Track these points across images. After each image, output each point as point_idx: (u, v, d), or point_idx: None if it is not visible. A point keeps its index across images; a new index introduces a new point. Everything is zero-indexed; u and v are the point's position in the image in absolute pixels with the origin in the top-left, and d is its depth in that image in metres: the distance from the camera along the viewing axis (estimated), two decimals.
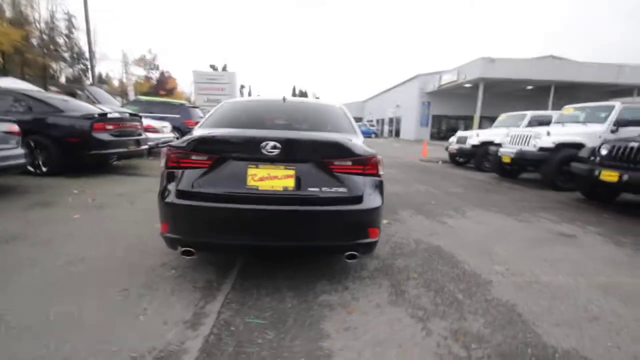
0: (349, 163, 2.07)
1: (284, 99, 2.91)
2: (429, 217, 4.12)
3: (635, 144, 4.45)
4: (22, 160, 4.17)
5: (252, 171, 1.99)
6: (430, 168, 9.98)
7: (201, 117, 12.06)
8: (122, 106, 11.01)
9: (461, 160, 10.65)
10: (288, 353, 1.57)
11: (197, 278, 2.26)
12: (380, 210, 2.12)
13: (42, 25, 26.97)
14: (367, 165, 2.11)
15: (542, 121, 8.94)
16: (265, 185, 1.99)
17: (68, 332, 1.64)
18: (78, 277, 2.20)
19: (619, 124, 6.19)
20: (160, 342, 1.61)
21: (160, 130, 9.02)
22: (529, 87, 23.65)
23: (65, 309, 1.83)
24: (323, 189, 2.01)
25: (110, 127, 5.61)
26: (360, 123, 34.43)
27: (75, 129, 5.25)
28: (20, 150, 4.18)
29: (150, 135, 7.85)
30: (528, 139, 6.90)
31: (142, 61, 42.51)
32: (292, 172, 2.00)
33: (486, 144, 9.04)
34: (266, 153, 1.97)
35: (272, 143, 1.96)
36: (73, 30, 29.91)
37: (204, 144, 2.06)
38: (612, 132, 6.12)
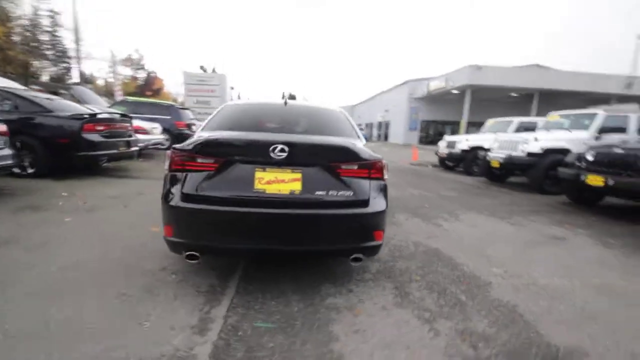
0: (355, 167, 2.09)
1: (285, 102, 2.92)
2: (425, 220, 4.18)
3: (619, 150, 4.64)
4: (9, 161, 4.02)
5: (259, 174, 1.99)
6: (421, 172, 10.13)
7: (192, 119, 11.93)
8: (110, 107, 10.76)
9: (450, 164, 10.85)
10: (299, 357, 1.57)
11: (200, 283, 2.23)
12: (385, 213, 2.15)
13: (25, 21, 26.15)
14: (372, 169, 2.13)
15: (528, 127, 9.23)
16: (272, 189, 1.99)
17: (71, 340, 1.59)
18: (76, 282, 2.13)
19: (602, 130, 6.45)
20: (167, 348, 1.58)
21: (150, 132, 8.85)
22: (514, 94, 24.35)
23: (66, 316, 1.77)
24: (329, 192, 2.02)
25: (100, 127, 5.48)
26: None
27: (64, 129, 5.10)
28: (8, 151, 4.03)
29: (140, 136, 7.70)
30: (516, 145, 7.10)
31: (128, 61, 41.75)
32: (299, 176, 2.01)
33: (475, 149, 9.25)
34: (274, 156, 1.97)
35: (280, 146, 1.96)
36: (56, 27, 29.11)
37: (211, 147, 2.04)
38: (596, 138, 6.37)
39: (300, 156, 2.01)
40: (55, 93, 12.38)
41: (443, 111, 28.82)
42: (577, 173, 5.05)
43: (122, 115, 6.42)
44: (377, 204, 2.09)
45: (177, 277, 2.30)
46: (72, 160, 5.27)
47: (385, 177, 2.22)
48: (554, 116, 7.87)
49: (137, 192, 4.81)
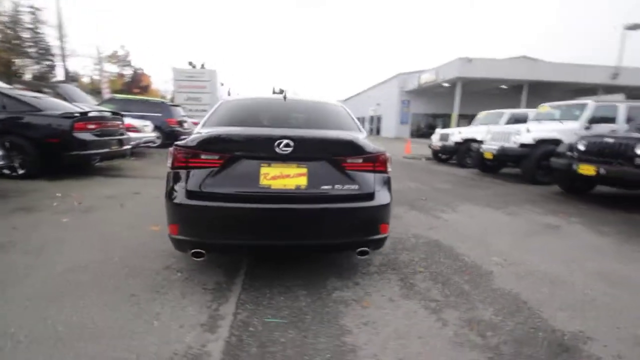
0: (360, 160, 2.10)
1: (285, 97, 2.90)
2: (423, 212, 4.23)
3: (610, 140, 4.75)
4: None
5: (264, 170, 1.98)
6: (415, 165, 10.21)
7: (183, 116, 11.75)
8: (98, 105, 10.53)
9: (444, 157, 10.96)
10: (313, 350, 1.58)
11: (206, 280, 2.22)
12: (390, 206, 2.16)
13: (5, 18, 25.27)
14: (376, 162, 2.14)
15: (519, 119, 9.35)
16: (278, 184, 1.98)
17: (81, 343, 1.57)
18: (80, 284, 2.10)
19: (592, 121, 6.58)
20: (180, 346, 1.58)
21: (141, 130, 8.70)
22: (503, 86, 24.60)
23: (73, 319, 1.74)
24: (335, 186, 2.02)
25: (92, 126, 5.36)
26: None
27: (55, 128, 4.97)
28: None
29: (132, 134, 7.56)
30: (509, 136, 7.20)
31: (114, 57, 40.75)
32: (304, 171, 2.00)
33: (468, 141, 9.35)
34: (280, 151, 1.96)
35: (285, 141, 1.95)
36: (38, 24, 28.20)
37: (215, 143, 2.02)
38: (586, 128, 6.50)
39: (305, 151, 2.01)
40: (40, 92, 12.06)
41: (434, 104, 28.99)
42: (570, 163, 5.16)
43: (114, 113, 6.29)
44: (382, 197, 2.11)
45: (182, 275, 2.28)
46: (63, 160, 5.14)
47: (389, 170, 2.23)
48: (545, 107, 7.99)
49: (132, 191, 4.73)
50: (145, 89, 42.69)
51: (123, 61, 42.45)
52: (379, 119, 34.87)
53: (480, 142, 8.38)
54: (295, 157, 1.99)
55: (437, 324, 1.82)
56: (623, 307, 2.04)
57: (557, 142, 6.47)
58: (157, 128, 9.86)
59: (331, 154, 2.06)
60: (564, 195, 5.70)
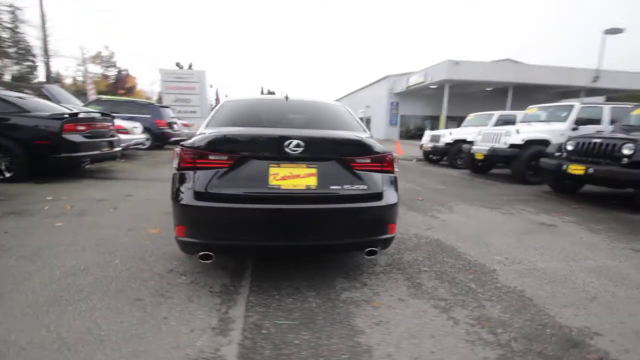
0: (368, 160, 2.10)
1: (287, 98, 2.88)
2: (421, 212, 4.27)
3: (598, 140, 4.90)
4: None
5: (273, 170, 1.96)
6: (407, 166, 10.31)
7: (173, 117, 11.56)
8: (84, 106, 10.26)
9: (435, 157, 11.11)
10: (328, 352, 1.57)
11: (212, 283, 2.18)
12: (397, 206, 2.18)
13: None
14: (384, 162, 2.15)
15: (507, 120, 9.58)
16: (287, 185, 1.96)
17: (89, 350, 1.51)
18: (82, 289, 2.03)
19: (578, 122, 6.79)
20: (192, 350, 1.54)
21: (131, 131, 8.54)
22: (489, 89, 25.15)
23: (79, 325, 1.68)
24: (344, 186, 2.02)
25: (81, 127, 5.21)
26: None
27: (43, 130, 4.81)
28: None
29: (121, 136, 7.40)
30: (499, 137, 7.36)
31: (98, 58, 39.83)
32: (314, 171, 2.00)
33: (459, 142, 9.51)
34: (289, 152, 1.94)
35: (295, 141, 1.94)
36: (17, 23, 27.28)
37: (224, 143, 1.99)
38: (573, 129, 6.70)
39: (315, 151, 2.00)
40: (21, 92, 11.66)
41: (422, 106, 29.37)
42: (559, 163, 5.31)
43: (104, 114, 6.14)
44: (390, 196, 2.12)
45: (187, 278, 2.23)
46: (53, 163, 4.99)
47: (396, 169, 2.24)
48: (533, 109, 8.21)
49: (124, 193, 4.62)
50: (130, 91, 41.84)
51: (107, 62, 41.57)
52: (368, 120, 35.12)
53: (471, 143, 8.54)
54: (305, 157, 1.98)
55: (449, 322, 1.83)
56: (624, 303, 2.10)
57: (545, 142, 6.65)
58: (146, 129, 9.69)
59: (340, 154, 2.06)
60: (554, 194, 5.86)
